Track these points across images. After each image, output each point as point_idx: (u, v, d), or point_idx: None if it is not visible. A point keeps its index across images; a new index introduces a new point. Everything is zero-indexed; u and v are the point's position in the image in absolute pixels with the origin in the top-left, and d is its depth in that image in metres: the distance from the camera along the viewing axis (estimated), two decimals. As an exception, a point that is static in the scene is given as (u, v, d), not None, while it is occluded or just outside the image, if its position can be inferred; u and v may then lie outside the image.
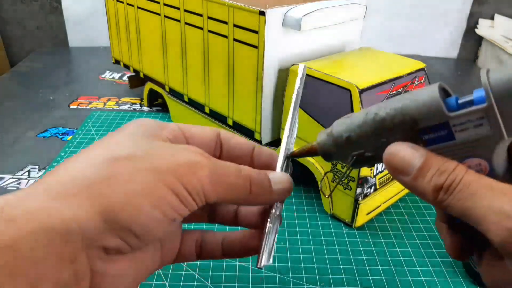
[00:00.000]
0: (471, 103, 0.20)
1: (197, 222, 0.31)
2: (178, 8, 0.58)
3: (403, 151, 0.21)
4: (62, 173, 0.21)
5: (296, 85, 0.29)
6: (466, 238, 0.23)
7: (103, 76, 0.94)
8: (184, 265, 0.42)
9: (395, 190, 0.50)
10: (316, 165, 0.48)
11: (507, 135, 0.19)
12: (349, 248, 0.45)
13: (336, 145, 0.25)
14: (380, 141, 0.22)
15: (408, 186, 0.21)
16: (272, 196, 0.25)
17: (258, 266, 0.24)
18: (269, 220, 0.26)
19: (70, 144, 0.65)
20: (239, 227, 0.30)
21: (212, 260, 0.43)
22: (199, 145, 0.25)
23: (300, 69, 0.30)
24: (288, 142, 0.28)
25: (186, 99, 0.64)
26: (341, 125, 0.25)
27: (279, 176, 0.26)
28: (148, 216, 0.20)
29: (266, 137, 0.53)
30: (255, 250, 0.28)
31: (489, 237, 0.18)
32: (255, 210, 0.29)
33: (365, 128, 0.23)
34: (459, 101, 0.20)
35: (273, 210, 0.26)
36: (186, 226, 0.37)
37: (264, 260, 0.24)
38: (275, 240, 0.25)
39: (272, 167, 0.27)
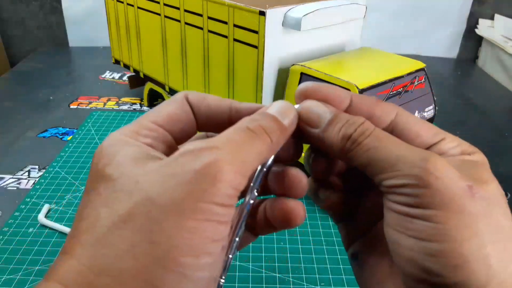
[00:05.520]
0: None
1: None
2: (178, 8, 0.58)
3: (316, 106, 0.21)
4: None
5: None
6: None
7: (103, 76, 0.94)
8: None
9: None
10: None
11: None
12: (349, 248, 0.45)
13: None
14: None
15: (316, 139, 0.21)
16: (288, 132, 0.21)
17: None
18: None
19: (70, 144, 0.65)
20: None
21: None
22: (176, 128, 0.21)
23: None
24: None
25: (186, 99, 0.64)
26: None
27: (278, 106, 0.21)
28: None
29: (266, 137, 0.53)
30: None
31: (388, 184, 0.19)
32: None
33: None
34: None
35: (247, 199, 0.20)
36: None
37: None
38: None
39: None
